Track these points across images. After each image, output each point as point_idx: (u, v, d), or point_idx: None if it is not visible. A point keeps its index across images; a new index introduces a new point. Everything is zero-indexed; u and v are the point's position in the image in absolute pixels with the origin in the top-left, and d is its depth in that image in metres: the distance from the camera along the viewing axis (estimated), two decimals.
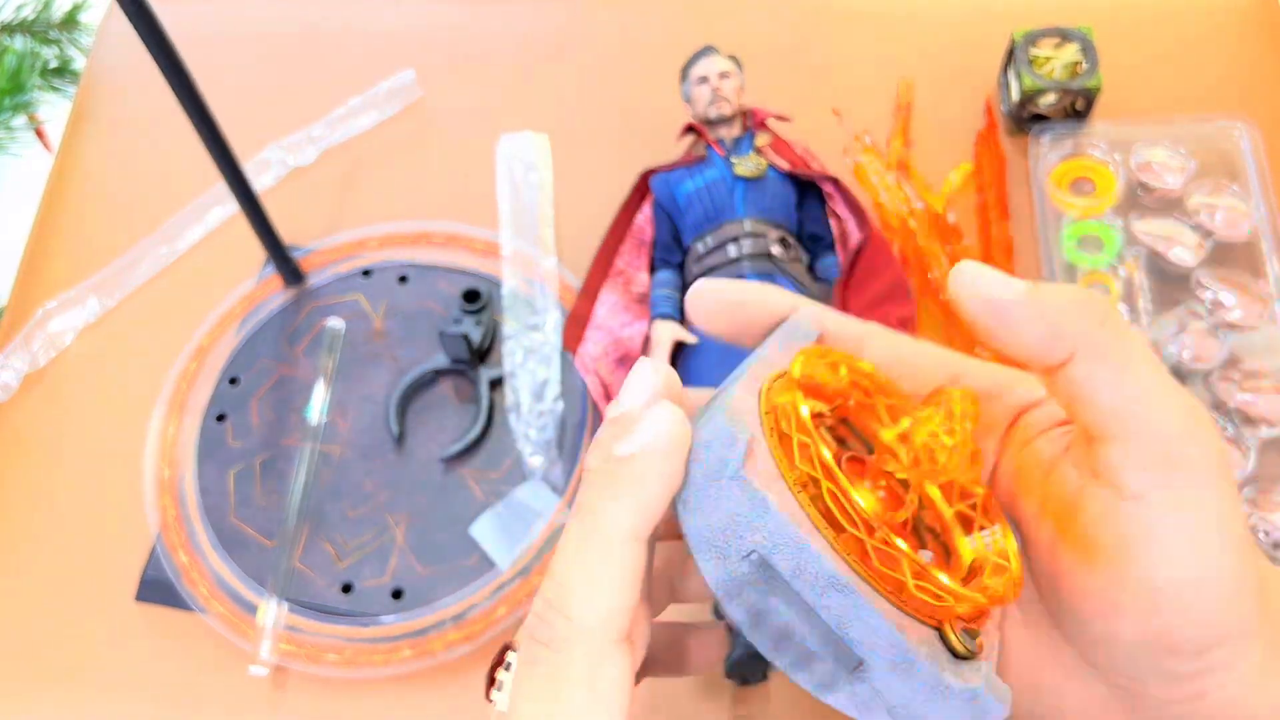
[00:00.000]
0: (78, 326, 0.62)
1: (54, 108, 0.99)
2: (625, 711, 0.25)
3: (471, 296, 0.58)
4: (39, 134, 1.06)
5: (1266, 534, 0.52)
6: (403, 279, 0.62)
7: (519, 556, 0.53)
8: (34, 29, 0.96)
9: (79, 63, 0.99)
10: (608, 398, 0.54)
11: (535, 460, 0.55)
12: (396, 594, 0.53)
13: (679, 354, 0.54)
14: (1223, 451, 0.26)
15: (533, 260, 0.61)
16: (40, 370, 0.61)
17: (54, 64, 0.97)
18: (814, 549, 0.24)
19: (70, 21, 0.97)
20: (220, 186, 0.63)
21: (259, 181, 0.65)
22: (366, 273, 0.62)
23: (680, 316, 0.56)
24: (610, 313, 0.57)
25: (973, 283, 0.27)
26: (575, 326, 0.56)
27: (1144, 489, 0.25)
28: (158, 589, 0.54)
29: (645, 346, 0.55)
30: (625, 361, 0.56)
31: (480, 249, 0.62)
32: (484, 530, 0.54)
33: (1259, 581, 0.26)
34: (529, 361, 0.58)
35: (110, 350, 0.62)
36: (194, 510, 0.55)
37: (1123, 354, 0.26)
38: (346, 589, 0.53)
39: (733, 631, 0.48)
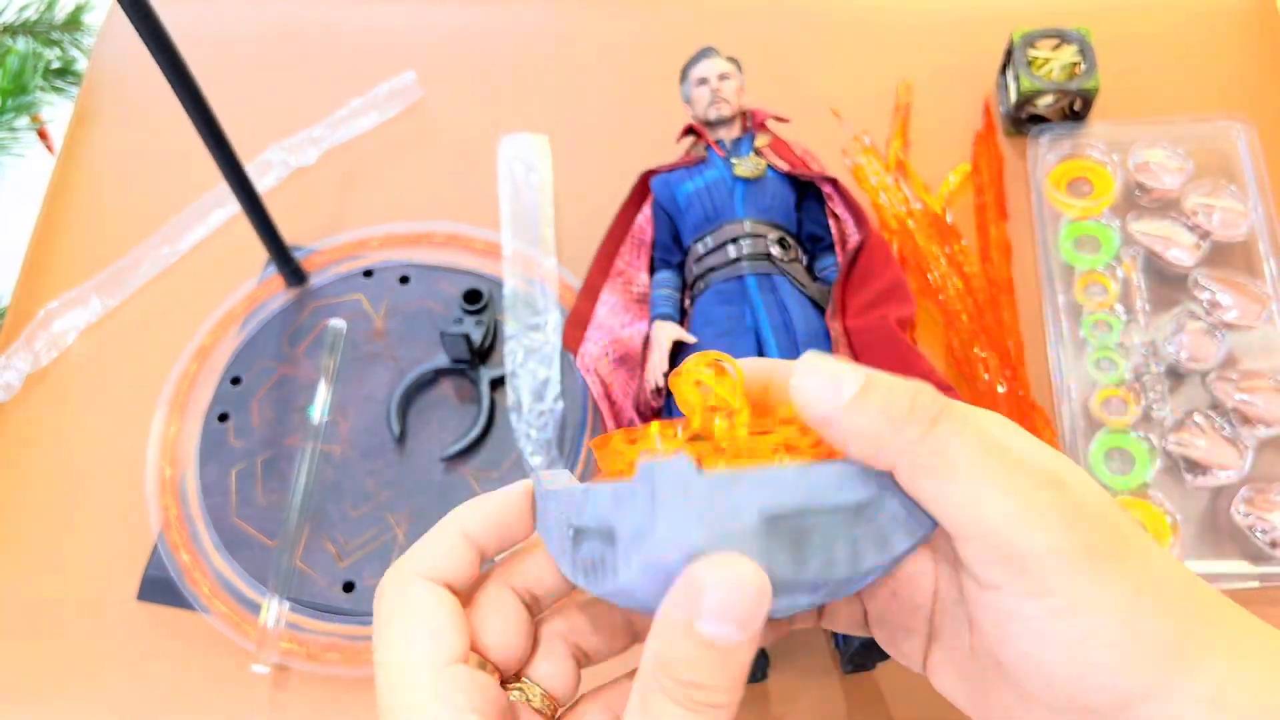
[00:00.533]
0: (80, 326, 0.62)
1: (56, 109, 0.99)
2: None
3: (472, 297, 0.59)
4: (42, 135, 1.06)
5: (1264, 533, 0.52)
6: (404, 279, 0.62)
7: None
8: (36, 30, 0.97)
9: (81, 64, 1.00)
10: (608, 398, 0.54)
11: (536, 460, 0.55)
12: None
13: (678, 354, 0.55)
14: (1075, 522, 0.26)
15: (533, 260, 0.61)
16: (42, 370, 0.61)
17: (56, 65, 0.97)
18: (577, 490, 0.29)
19: (73, 22, 0.97)
20: (222, 187, 0.64)
21: (261, 182, 0.65)
22: (368, 273, 0.62)
23: (680, 316, 0.56)
24: (610, 313, 0.57)
25: (802, 391, 0.27)
26: (576, 327, 0.56)
27: (996, 581, 0.26)
28: (160, 588, 0.54)
29: (645, 346, 0.56)
30: (625, 361, 0.56)
31: (481, 249, 0.62)
32: None
33: (1166, 633, 0.26)
34: (530, 361, 0.58)
35: (112, 350, 0.62)
36: (196, 509, 0.55)
37: (943, 464, 0.26)
38: (348, 588, 0.53)
39: None
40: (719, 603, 0.24)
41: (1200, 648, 0.26)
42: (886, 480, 0.27)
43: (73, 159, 0.69)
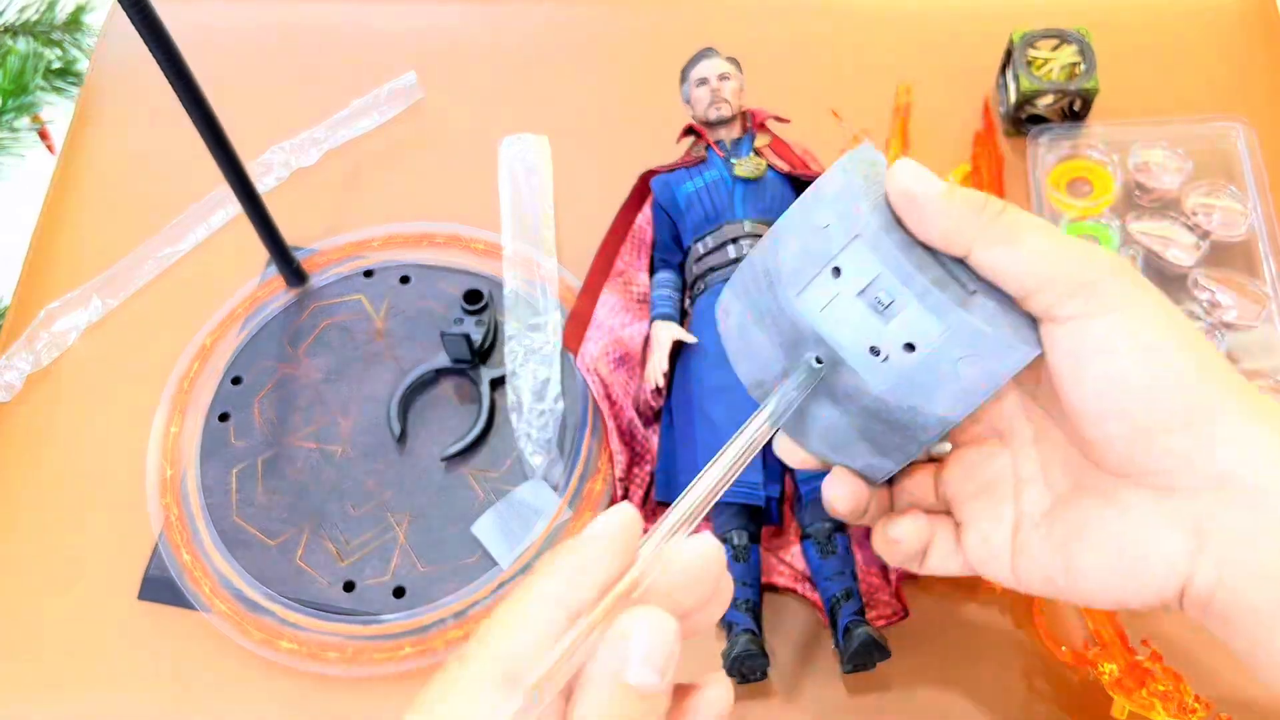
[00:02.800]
0: (81, 326, 0.63)
1: (57, 109, 0.99)
2: None
3: (472, 297, 0.59)
4: (43, 135, 1.06)
5: None
6: (404, 279, 0.62)
7: (520, 554, 0.53)
8: (37, 30, 0.97)
9: (82, 64, 1.00)
10: (608, 397, 0.55)
11: (536, 459, 0.56)
12: (398, 592, 0.53)
13: (678, 354, 0.55)
14: (1126, 265, 0.32)
15: (534, 261, 0.61)
16: (44, 370, 0.61)
17: (57, 65, 0.98)
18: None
19: (74, 23, 0.97)
20: (223, 188, 0.64)
21: (261, 183, 0.65)
22: (368, 273, 0.62)
23: (680, 317, 0.56)
24: (610, 313, 0.57)
25: (898, 178, 0.33)
26: (576, 326, 0.56)
27: (1073, 311, 0.32)
28: (161, 588, 0.54)
29: (645, 346, 0.56)
30: (625, 361, 0.56)
31: (482, 250, 0.62)
32: (486, 528, 0.54)
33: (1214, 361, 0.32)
34: (530, 361, 0.58)
35: (113, 350, 0.62)
36: (196, 509, 0.56)
37: (1016, 234, 0.32)
38: (349, 587, 0.53)
39: (731, 630, 0.48)
40: (645, 651, 0.25)
41: (1250, 385, 0.32)
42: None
43: (74, 159, 0.69)
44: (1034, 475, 0.37)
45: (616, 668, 0.25)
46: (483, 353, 0.58)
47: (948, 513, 0.40)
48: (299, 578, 0.54)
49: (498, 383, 0.58)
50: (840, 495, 0.39)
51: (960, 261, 0.34)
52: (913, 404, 0.35)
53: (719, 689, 0.29)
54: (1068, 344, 0.32)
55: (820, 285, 0.35)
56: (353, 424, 0.58)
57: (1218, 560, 0.32)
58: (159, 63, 0.47)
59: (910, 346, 0.34)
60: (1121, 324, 0.31)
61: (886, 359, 0.35)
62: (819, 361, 0.36)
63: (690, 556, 0.28)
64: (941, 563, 0.39)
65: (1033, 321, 0.34)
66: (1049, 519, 0.36)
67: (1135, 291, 0.32)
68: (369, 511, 0.55)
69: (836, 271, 0.34)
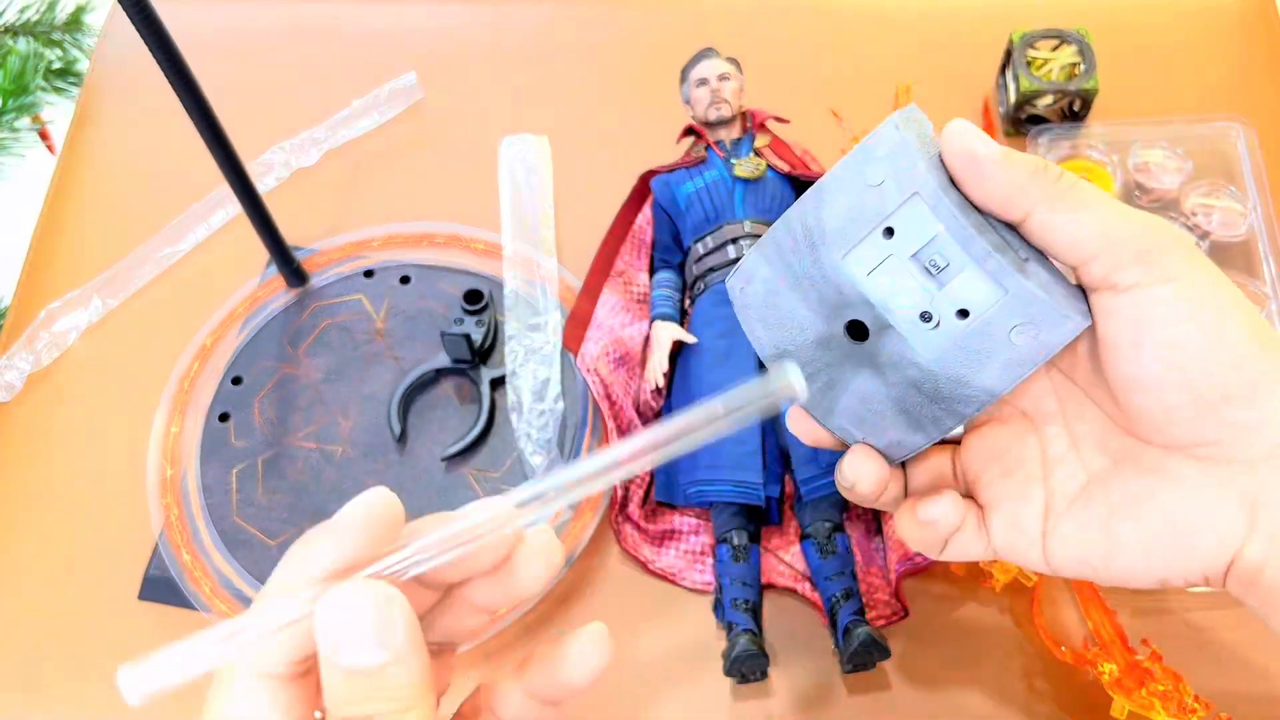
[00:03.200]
0: (81, 326, 0.63)
1: (57, 109, 0.99)
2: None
3: (473, 297, 0.59)
4: (43, 135, 1.06)
5: None
6: (405, 279, 0.62)
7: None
8: (37, 30, 0.97)
9: (83, 64, 1.00)
10: (608, 397, 0.55)
11: (536, 459, 0.56)
12: None
13: (678, 354, 0.55)
14: (1186, 237, 0.32)
15: (534, 261, 0.61)
16: (44, 370, 0.61)
17: (57, 65, 0.98)
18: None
19: (74, 23, 0.97)
20: (223, 188, 0.64)
21: (262, 183, 0.65)
22: (369, 273, 0.62)
23: (680, 317, 0.56)
24: (610, 313, 0.57)
25: (959, 137, 0.32)
26: (576, 326, 0.56)
27: (1132, 279, 0.31)
28: (161, 588, 0.54)
29: (645, 346, 0.56)
30: (625, 361, 0.56)
31: (482, 250, 0.62)
32: None
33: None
34: (530, 361, 0.58)
35: (114, 350, 0.62)
36: (197, 509, 0.56)
37: (1077, 199, 0.31)
38: None
39: (731, 630, 0.48)
40: (346, 633, 0.25)
41: None
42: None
43: (74, 159, 0.69)
44: (1065, 454, 0.36)
45: (328, 652, 0.25)
46: (483, 353, 0.58)
47: (967, 495, 0.38)
48: None
49: (498, 383, 0.58)
50: (864, 473, 0.37)
51: (1011, 228, 0.33)
52: (961, 374, 0.34)
53: (587, 644, 0.29)
54: (1129, 311, 0.32)
55: (870, 245, 0.33)
56: (353, 424, 0.58)
57: (1270, 534, 0.31)
58: (159, 63, 0.47)
59: (964, 313, 0.33)
60: (1184, 292, 0.31)
61: (938, 325, 0.33)
62: (854, 331, 0.35)
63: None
64: (963, 549, 0.37)
65: (1082, 293, 0.33)
66: (1085, 497, 0.35)
67: (1196, 262, 0.31)
68: None
69: (889, 232, 0.33)
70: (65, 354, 0.62)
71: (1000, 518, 0.36)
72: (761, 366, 0.52)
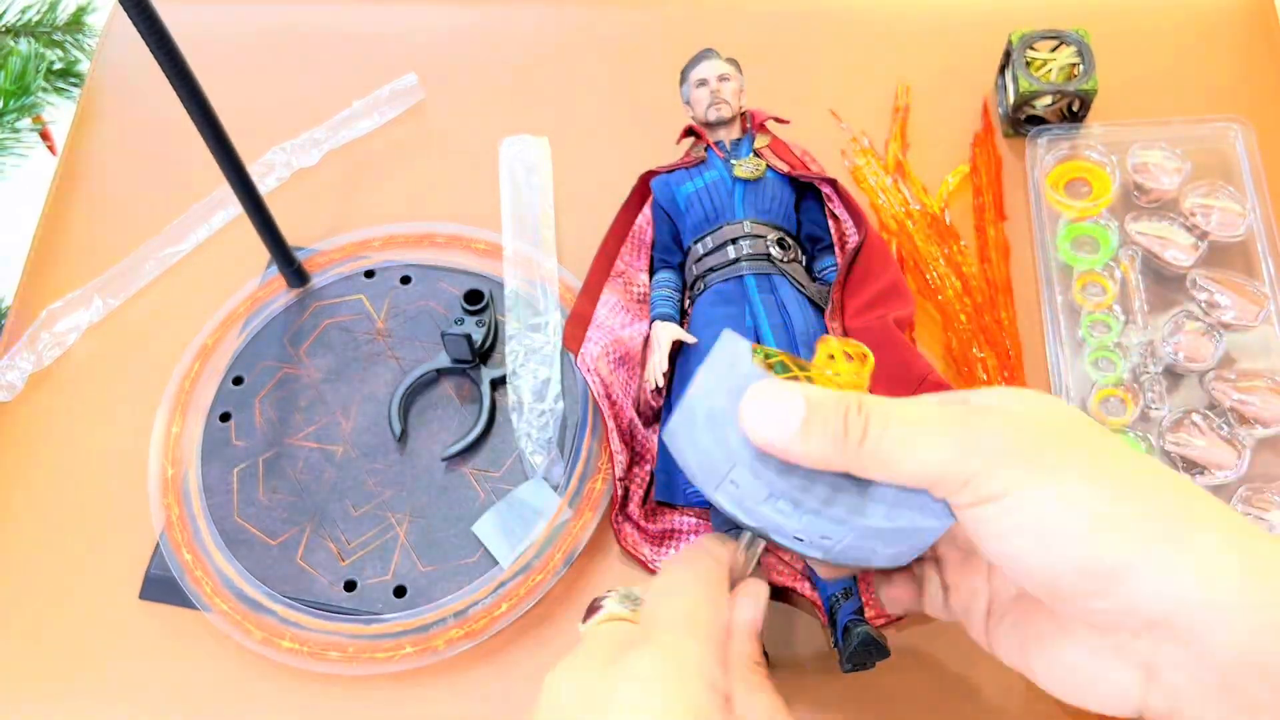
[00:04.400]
0: (82, 326, 0.63)
1: (59, 109, 1.00)
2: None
3: (473, 297, 0.59)
4: (44, 135, 1.06)
5: None
6: (405, 280, 0.62)
7: (521, 553, 0.53)
8: (39, 31, 0.97)
9: (84, 65, 1.00)
10: (608, 397, 0.55)
11: (537, 459, 0.56)
12: (399, 592, 0.53)
13: (678, 354, 0.55)
14: (1021, 438, 0.32)
15: (534, 261, 0.62)
16: (45, 370, 0.62)
17: (59, 66, 0.98)
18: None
19: (75, 23, 0.97)
20: (224, 188, 0.64)
21: (263, 183, 0.66)
22: (369, 274, 0.62)
23: (680, 317, 0.57)
24: (610, 313, 0.57)
25: (753, 429, 0.33)
26: (577, 326, 0.56)
27: (963, 502, 0.32)
28: (162, 587, 0.54)
29: (645, 346, 0.56)
30: (625, 361, 0.57)
31: (482, 250, 0.63)
32: (486, 528, 0.54)
33: (1128, 511, 0.31)
34: (530, 361, 0.58)
35: (115, 350, 0.62)
36: (198, 509, 0.56)
37: (882, 460, 0.32)
38: (350, 587, 0.53)
39: None
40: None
41: (1181, 522, 0.30)
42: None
43: (75, 159, 0.69)
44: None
45: (753, 616, 0.36)
46: (483, 353, 0.59)
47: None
48: (300, 577, 0.54)
49: (498, 383, 0.58)
50: (896, 599, 0.43)
51: None
52: (859, 557, 0.36)
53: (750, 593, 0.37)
54: (970, 526, 0.33)
55: (726, 490, 0.35)
56: (353, 424, 0.58)
57: (1169, 692, 0.32)
58: (160, 63, 0.47)
59: (828, 538, 0.35)
60: (1012, 509, 0.31)
61: (812, 545, 0.35)
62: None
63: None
64: (935, 611, 0.42)
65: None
66: (1016, 613, 0.37)
67: (1026, 471, 0.31)
68: (370, 511, 0.55)
69: (735, 484, 0.35)
70: (66, 354, 0.62)
71: (955, 600, 0.39)
72: None
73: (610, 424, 0.54)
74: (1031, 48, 0.64)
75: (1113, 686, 0.33)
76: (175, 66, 0.48)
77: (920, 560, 0.41)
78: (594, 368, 0.55)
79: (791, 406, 0.32)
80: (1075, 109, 0.64)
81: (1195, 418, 0.55)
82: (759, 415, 0.32)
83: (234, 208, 0.65)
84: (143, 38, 0.46)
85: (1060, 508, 0.31)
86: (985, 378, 0.57)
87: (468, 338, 0.57)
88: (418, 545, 0.54)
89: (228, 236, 0.65)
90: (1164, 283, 0.59)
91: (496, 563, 0.53)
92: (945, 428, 0.32)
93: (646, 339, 0.56)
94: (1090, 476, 0.31)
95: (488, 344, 0.59)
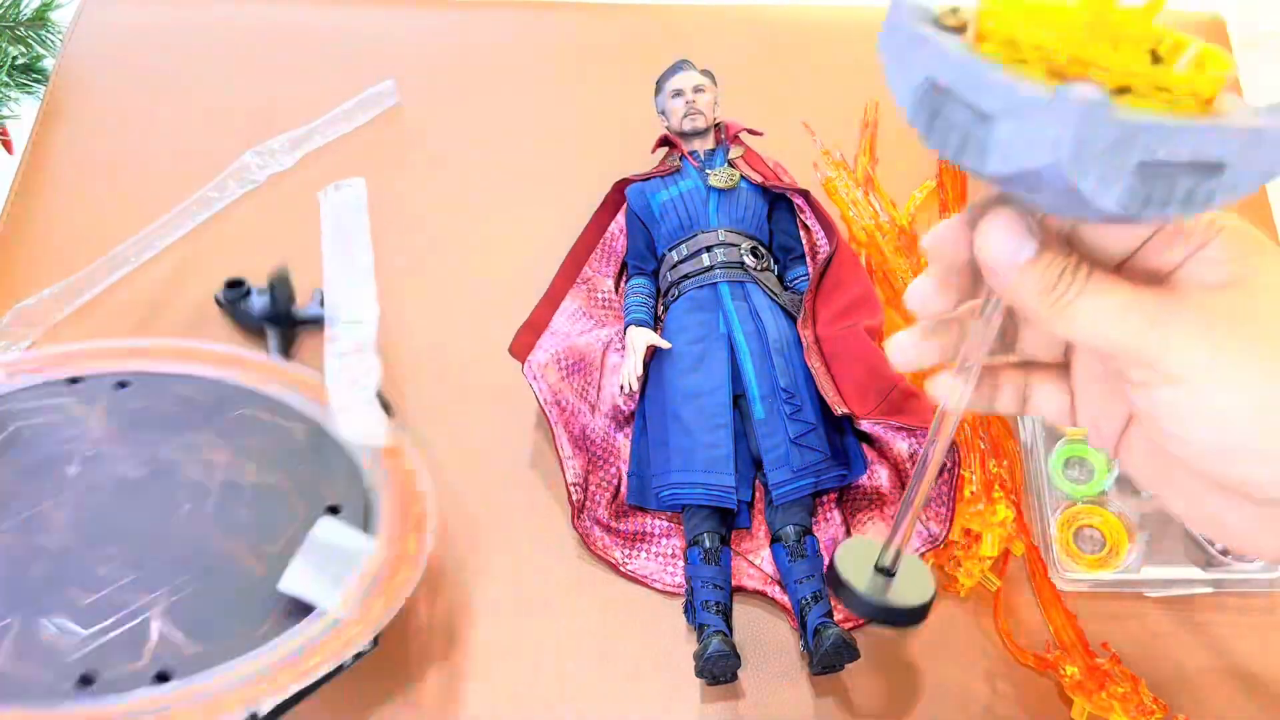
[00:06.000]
0: None
1: (21, 105, 0.98)
2: None
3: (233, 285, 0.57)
4: (1, 132, 1.04)
5: (1217, 541, 0.53)
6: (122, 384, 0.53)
7: (348, 593, 0.45)
8: (2, 26, 0.95)
9: (48, 62, 0.98)
10: (557, 404, 0.54)
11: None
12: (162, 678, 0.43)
13: (651, 359, 0.55)
14: (1197, 331, 0.31)
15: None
16: None
17: (22, 62, 0.96)
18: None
19: (39, 19, 0.96)
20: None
21: (236, 188, 0.65)
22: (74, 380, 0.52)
23: (653, 322, 0.57)
24: (569, 320, 0.58)
25: (987, 244, 0.32)
26: (529, 334, 0.56)
27: (1142, 379, 0.32)
28: None
29: (608, 352, 0.56)
30: (580, 368, 0.56)
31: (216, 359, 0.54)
32: (298, 580, 0.45)
33: None
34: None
35: None
36: None
37: (1070, 321, 0.32)
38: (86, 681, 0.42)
39: (702, 631, 0.49)
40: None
41: None
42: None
43: (39, 159, 0.68)
44: None
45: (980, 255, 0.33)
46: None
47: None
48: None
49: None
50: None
51: None
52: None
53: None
54: (1143, 405, 0.32)
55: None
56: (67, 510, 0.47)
57: None
58: None
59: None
60: (1187, 395, 0.31)
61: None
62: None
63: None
64: (1038, 408, 0.39)
65: None
66: (1163, 454, 0.35)
67: (1195, 361, 0.31)
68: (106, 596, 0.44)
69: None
70: None
71: (1083, 416, 0.38)
72: (734, 373, 0.53)
73: (560, 430, 0.54)
74: None
75: (1265, 545, 0.33)
76: None
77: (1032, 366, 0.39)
78: (540, 375, 0.55)
79: (1023, 246, 0.32)
80: None
81: None
82: (993, 235, 0.32)
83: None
84: None
85: (1241, 400, 0.31)
86: None
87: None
88: (182, 623, 0.44)
89: None
90: None
91: (318, 609, 0.45)
92: (1139, 303, 0.32)
93: (608, 345, 0.56)
94: (1268, 373, 0.31)
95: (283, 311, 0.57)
